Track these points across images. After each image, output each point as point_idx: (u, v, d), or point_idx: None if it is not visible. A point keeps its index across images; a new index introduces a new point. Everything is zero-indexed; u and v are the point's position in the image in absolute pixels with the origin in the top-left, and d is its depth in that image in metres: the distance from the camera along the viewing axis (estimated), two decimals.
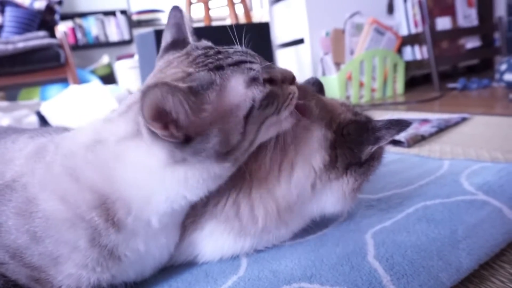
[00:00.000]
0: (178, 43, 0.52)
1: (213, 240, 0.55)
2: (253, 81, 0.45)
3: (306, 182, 0.54)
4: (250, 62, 0.47)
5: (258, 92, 0.45)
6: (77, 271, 0.46)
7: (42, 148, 0.51)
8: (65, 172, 0.47)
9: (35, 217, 0.45)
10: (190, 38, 0.54)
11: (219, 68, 0.45)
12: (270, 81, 0.47)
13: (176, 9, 0.55)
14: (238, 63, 0.46)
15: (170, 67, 0.47)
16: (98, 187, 0.45)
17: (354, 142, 0.55)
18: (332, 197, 0.56)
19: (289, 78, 0.50)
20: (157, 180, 0.45)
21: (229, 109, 0.44)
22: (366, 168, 0.57)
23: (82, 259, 0.45)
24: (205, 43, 0.51)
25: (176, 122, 0.42)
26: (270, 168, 0.53)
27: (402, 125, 0.55)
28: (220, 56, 0.47)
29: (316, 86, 0.66)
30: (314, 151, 0.54)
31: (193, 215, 0.54)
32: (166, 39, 0.54)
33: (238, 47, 0.49)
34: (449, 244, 0.52)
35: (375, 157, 0.58)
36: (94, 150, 0.47)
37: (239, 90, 0.45)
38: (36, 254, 0.45)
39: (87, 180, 0.46)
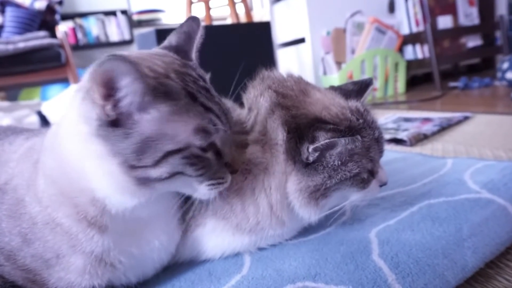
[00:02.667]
0: (180, 52, 0.49)
1: (215, 236, 0.55)
2: (203, 132, 0.43)
3: (280, 174, 0.53)
4: (219, 119, 0.44)
5: (196, 145, 0.42)
6: (66, 275, 0.45)
7: (31, 148, 0.50)
8: (40, 169, 0.45)
9: (23, 219, 0.45)
10: (194, 55, 0.51)
11: (192, 96, 0.43)
12: (217, 153, 0.45)
13: (195, 19, 0.53)
14: (209, 110, 0.44)
15: (162, 59, 0.45)
16: (55, 176, 0.43)
17: (298, 136, 0.52)
18: (291, 195, 0.53)
19: (235, 168, 0.48)
20: (84, 158, 0.42)
21: (164, 132, 0.41)
22: (312, 173, 0.52)
23: (66, 265, 0.44)
24: (204, 74, 0.49)
25: (117, 102, 0.39)
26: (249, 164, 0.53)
27: (342, 133, 0.50)
28: (203, 92, 0.44)
29: (358, 85, 0.62)
30: (278, 142, 0.53)
31: (192, 210, 0.54)
32: (170, 41, 0.51)
33: (228, 103, 0.47)
34: (454, 242, 0.52)
35: (327, 170, 0.52)
36: (54, 138, 0.45)
37: (186, 127, 0.42)
38: (28, 256, 0.45)
39: (50, 174, 0.44)
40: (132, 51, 0.47)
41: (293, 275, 0.49)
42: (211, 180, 0.46)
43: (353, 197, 0.56)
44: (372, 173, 0.55)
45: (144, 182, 0.42)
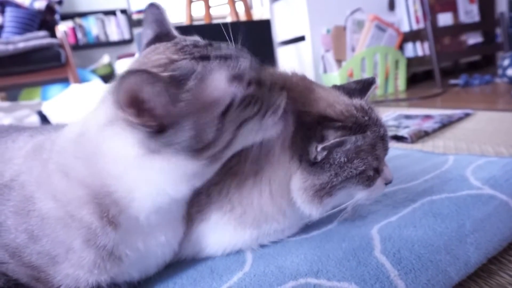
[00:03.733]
0: (162, 38, 0.50)
1: (218, 231, 0.55)
2: (236, 78, 0.43)
3: (284, 169, 0.53)
4: (239, 58, 0.45)
5: (239, 91, 0.43)
6: (74, 271, 0.45)
7: (40, 146, 0.51)
8: (57, 169, 0.46)
9: (32, 215, 0.45)
10: (175, 32, 0.52)
11: (204, 58, 0.43)
12: (257, 83, 0.45)
13: (153, 6, 0.53)
14: (225, 57, 0.44)
15: (155, 52, 0.46)
16: (86, 181, 0.44)
17: (305, 134, 0.52)
18: (294, 192, 0.53)
19: (279, 85, 0.49)
20: (136, 172, 0.44)
21: (207, 103, 0.42)
22: (319, 172, 0.51)
23: (78, 260, 0.44)
24: (196, 37, 0.49)
25: (151, 111, 0.40)
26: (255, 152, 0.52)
27: (352, 131, 0.50)
28: (209, 47, 0.45)
29: (360, 84, 0.62)
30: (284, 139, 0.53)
31: (197, 204, 0.54)
32: (148, 35, 0.52)
33: (230, 45, 0.47)
34: (457, 238, 0.51)
35: (333, 168, 0.51)
36: (79, 142, 0.46)
37: (220, 84, 0.43)
38: (34, 253, 0.45)
39: (76, 176, 0.45)
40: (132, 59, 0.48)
41: (295, 272, 0.49)
42: (269, 108, 0.46)
43: (358, 195, 0.55)
44: (377, 171, 0.55)
45: (215, 157, 0.45)
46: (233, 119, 0.44)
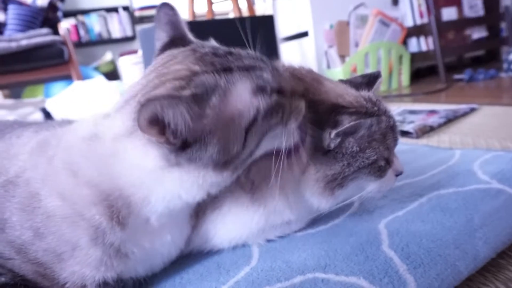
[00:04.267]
0: (177, 42, 0.49)
1: (228, 217, 0.54)
2: (260, 90, 0.43)
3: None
4: (261, 69, 0.44)
5: (264, 103, 0.42)
6: (80, 269, 0.45)
7: (45, 142, 0.50)
8: (64, 166, 0.45)
9: (37, 213, 0.45)
10: (190, 36, 0.50)
11: (227, 70, 0.42)
12: (279, 91, 0.45)
13: (166, 6, 0.51)
14: (248, 68, 0.43)
15: (174, 61, 0.45)
16: (95, 183, 0.44)
17: (317, 122, 0.51)
18: (304, 183, 0.53)
19: (299, 92, 0.48)
20: (153, 181, 0.43)
21: (231, 117, 0.41)
22: (331, 162, 0.51)
23: (84, 258, 0.44)
24: (213, 42, 0.48)
25: (174, 131, 0.40)
26: None
27: (366, 115, 0.50)
28: (230, 57, 0.44)
29: (366, 78, 0.62)
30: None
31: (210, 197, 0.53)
32: (162, 38, 0.50)
33: (251, 52, 0.46)
34: (465, 232, 0.51)
35: (346, 157, 0.51)
36: (91, 144, 0.45)
37: (244, 97, 0.42)
38: (40, 250, 0.45)
39: (84, 176, 0.44)
40: (144, 71, 0.47)
41: (302, 267, 0.49)
42: (291, 114, 0.46)
43: (370, 187, 0.55)
44: (388, 162, 0.55)
45: (239, 167, 0.45)
46: (257, 130, 0.43)
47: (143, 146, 0.42)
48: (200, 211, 0.54)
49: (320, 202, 0.53)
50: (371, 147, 0.52)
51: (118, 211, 0.44)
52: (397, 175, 0.58)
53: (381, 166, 0.54)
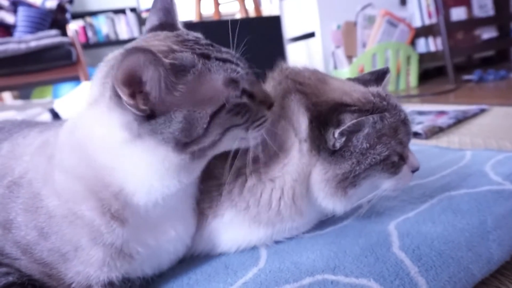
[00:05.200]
0: (166, 27, 0.49)
1: (232, 228, 0.54)
2: (232, 82, 0.44)
3: (300, 165, 0.52)
4: (237, 65, 0.45)
5: (233, 96, 0.44)
6: (84, 269, 0.44)
7: (46, 142, 0.50)
8: (57, 164, 0.45)
9: (40, 213, 0.45)
10: (180, 25, 0.51)
11: (205, 56, 0.43)
12: (250, 94, 0.46)
13: None
14: (225, 60, 0.44)
15: (156, 38, 0.45)
16: (82, 175, 0.43)
17: (321, 123, 0.51)
18: (315, 186, 0.52)
19: (268, 102, 0.49)
20: (122, 159, 0.42)
21: (201, 99, 0.42)
22: (340, 161, 0.50)
23: (86, 258, 0.44)
24: (198, 34, 0.49)
25: (146, 94, 0.39)
26: (270, 152, 0.52)
27: (368, 113, 0.49)
28: (211, 47, 0.45)
29: (375, 74, 0.61)
30: (302, 127, 0.52)
31: (208, 200, 0.53)
32: (152, 21, 0.51)
33: (230, 50, 0.47)
34: (478, 235, 0.50)
35: (355, 155, 0.50)
36: (73, 132, 0.45)
37: (216, 84, 0.43)
38: (45, 250, 0.45)
39: (72, 170, 0.44)
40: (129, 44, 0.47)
41: (311, 268, 0.48)
42: (256, 121, 0.47)
43: (385, 185, 0.53)
44: (402, 158, 0.53)
45: (198, 154, 0.44)
46: (222, 121, 0.44)
47: (108, 111, 0.41)
48: (201, 215, 0.54)
49: (334, 204, 0.52)
50: (381, 142, 0.51)
51: (109, 204, 0.43)
52: (413, 171, 0.56)
53: (395, 162, 0.52)
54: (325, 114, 0.50)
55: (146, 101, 0.40)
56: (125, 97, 0.39)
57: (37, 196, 0.45)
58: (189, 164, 0.45)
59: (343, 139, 0.50)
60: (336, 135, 0.49)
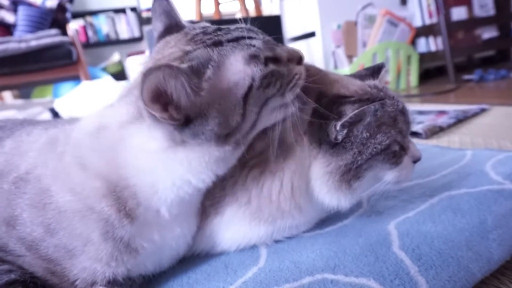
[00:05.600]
0: (172, 29, 0.50)
1: (232, 225, 0.54)
2: (252, 58, 0.43)
3: (299, 157, 0.52)
4: (251, 38, 0.45)
5: (257, 70, 0.43)
6: (92, 264, 0.45)
7: (54, 139, 0.51)
8: (74, 161, 0.46)
9: (48, 209, 0.45)
10: (183, 21, 0.52)
11: (217, 44, 0.43)
12: (274, 60, 0.45)
13: None
14: (237, 39, 0.44)
15: (168, 47, 0.46)
16: (104, 174, 0.44)
17: (322, 116, 0.50)
18: (317, 180, 0.52)
19: (296, 58, 0.48)
20: (160, 164, 0.44)
21: (227, 88, 0.42)
22: (341, 152, 0.50)
23: (95, 252, 0.44)
24: (204, 23, 0.50)
25: (176, 104, 0.41)
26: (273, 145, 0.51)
27: (368, 102, 0.49)
28: (219, 32, 0.45)
29: (370, 69, 0.61)
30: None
31: (211, 197, 0.53)
32: (158, 28, 0.52)
33: (239, 25, 0.47)
34: (478, 234, 0.50)
35: (356, 145, 0.50)
36: (98, 136, 0.46)
37: (237, 67, 0.43)
38: (51, 246, 0.45)
39: (93, 168, 0.45)
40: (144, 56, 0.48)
41: (311, 267, 0.48)
42: (290, 82, 0.46)
43: (387, 176, 0.53)
44: (403, 148, 0.53)
45: (239, 141, 0.45)
46: (255, 100, 0.44)
47: (148, 129, 0.43)
48: (203, 213, 0.54)
49: (339, 198, 0.52)
50: (381, 131, 0.50)
51: (125, 202, 0.44)
52: (415, 162, 0.56)
53: (396, 151, 0.52)
54: (325, 107, 0.50)
55: (178, 110, 0.41)
56: (157, 114, 0.41)
57: (46, 192, 0.45)
58: (231, 154, 0.46)
59: (345, 130, 0.50)
60: (338, 127, 0.49)
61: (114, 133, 0.45)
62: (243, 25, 0.47)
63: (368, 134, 0.50)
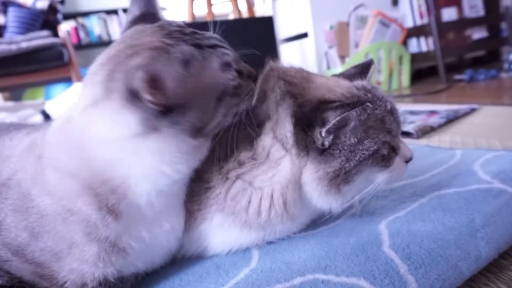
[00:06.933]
0: (147, 17, 0.50)
1: (222, 231, 0.54)
2: (227, 66, 0.46)
3: (291, 173, 0.52)
4: (225, 48, 0.48)
5: (231, 78, 0.46)
6: (79, 266, 0.44)
7: (34, 143, 0.50)
8: (47, 163, 0.45)
9: (31, 212, 0.44)
10: (161, 14, 0.52)
11: (198, 46, 0.45)
12: (238, 73, 0.48)
13: None
14: (214, 46, 0.46)
15: (144, 34, 0.45)
16: (75, 172, 0.43)
17: (306, 122, 0.50)
18: (307, 185, 0.52)
19: (253, 75, 0.51)
20: (130, 154, 0.42)
21: (206, 87, 0.45)
22: (329, 159, 0.50)
23: (81, 254, 0.44)
24: (178, 22, 0.49)
25: (165, 90, 0.40)
26: (260, 155, 0.52)
27: (350, 107, 0.48)
28: (197, 36, 0.47)
29: (359, 67, 0.61)
30: (287, 135, 0.52)
31: (197, 202, 0.53)
32: (133, 12, 0.51)
33: (211, 33, 0.49)
34: (467, 233, 0.50)
35: (344, 153, 0.50)
36: (63, 131, 0.45)
37: (214, 71, 0.45)
38: (37, 250, 0.44)
39: (63, 167, 0.44)
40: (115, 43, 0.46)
41: (302, 268, 0.49)
42: (248, 94, 0.50)
43: (379, 178, 0.53)
44: (393, 149, 0.53)
45: (207, 135, 0.47)
46: (225, 103, 0.47)
47: (116, 111, 0.41)
48: (191, 216, 0.53)
49: (330, 202, 0.52)
50: (368, 136, 0.50)
51: (106, 199, 0.43)
52: (407, 162, 0.56)
53: (385, 155, 0.52)
54: (308, 115, 0.50)
55: (166, 97, 0.40)
56: (148, 96, 0.39)
57: (27, 197, 0.45)
58: (200, 146, 0.48)
59: (331, 136, 0.50)
60: (323, 134, 0.49)
61: (76, 124, 0.44)
62: (216, 35, 0.49)
63: (355, 139, 0.50)
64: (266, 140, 0.53)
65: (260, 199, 0.52)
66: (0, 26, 2.64)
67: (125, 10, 4.09)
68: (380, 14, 2.35)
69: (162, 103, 0.40)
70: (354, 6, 2.44)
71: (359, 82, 0.56)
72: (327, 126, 0.48)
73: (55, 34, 2.68)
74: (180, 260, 0.56)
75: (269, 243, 0.57)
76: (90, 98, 0.42)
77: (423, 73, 2.70)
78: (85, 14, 3.99)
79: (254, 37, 2.01)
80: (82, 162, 0.43)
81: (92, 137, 0.43)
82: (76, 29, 3.94)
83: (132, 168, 0.43)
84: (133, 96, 0.40)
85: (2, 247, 0.46)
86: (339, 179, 0.50)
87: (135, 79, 0.38)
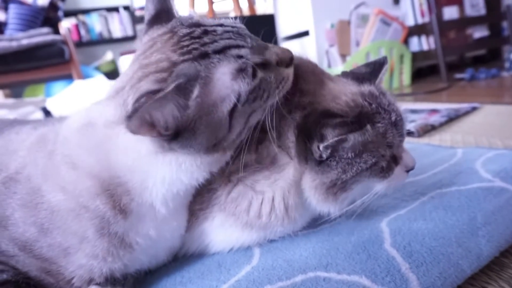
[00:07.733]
0: (162, 15, 0.49)
1: (223, 231, 0.54)
2: (239, 72, 0.42)
3: (293, 179, 0.52)
4: (239, 46, 0.43)
5: (244, 85, 0.42)
6: (88, 261, 0.45)
7: (44, 137, 0.50)
8: (63, 160, 0.46)
9: (40, 208, 0.45)
10: (175, 9, 0.50)
11: (204, 56, 0.42)
12: (263, 65, 0.44)
13: None
14: (224, 49, 0.42)
15: (154, 49, 0.45)
16: (96, 173, 0.44)
17: (306, 134, 0.50)
18: (306, 192, 0.52)
19: (286, 60, 0.46)
20: (149, 165, 0.44)
21: (213, 104, 0.42)
22: (326, 170, 0.50)
23: (92, 249, 0.44)
24: (191, 17, 0.48)
25: (165, 126, 0.41)
26: (266, 159, 0.52)
27: (349, 127, 0.47)
28: (206, 39, 0.43)
29: (371, 66, 0.59)
30: (289, 145, 0.51)
31: (200, 202, 0.53)
32: (149, 11, 0.50)
33: (228, 22, 0.45)
34: (468, 231, 0.51)
35: (341, 165, 0.49)
36: (86, 132, 0.46)
37: (224, 82, 0.42)
38: (45, 246, 0.45)
39: (84, 167, 0.45)
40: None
41: (304, 265, 0.49)
42: (277, 89, 0.46)
43: (377, 187, 0.53)
44: (395, 159, 0.53)
45: (229, 146, 0.46)
46: (242, 113, 0.44)
47: (135, 135, 0.42)
48: (192, 215, 0.54)
49: (328, 208, 0.52)
50: (367, 150, 0.49)
51: (119, 199, 0.45)
52: (408, 171, 0.55)
53: (383, 167, 0.51)
54: (309, 127, 0.50)
55: (166, 129, 0.41)
56: (146, 135, 0.41)
57: (37, 192, 0.45)
58: (221, 157, 0.47)
59: (329, 151, 0.49)
60: (321, 148, 0.49)
61: (101, 132, 0.45)
62: (230, 24, 0.46)
63: (353, 154, 0.49)
64: (271, 146, 0.51)
65: (261, 203, 0.52)
66: (0, 23, 2.63)
67: (125, 8, 4.09)
68: (381, 12, 2.35)
69: (164, 134, 0.41)
70: (355, 4, 2.44)
71: (366, 88, 0.53)
72: (325, 143, 0.48)
73: (56, 31, 2.67)
74: (182, 257, 0.56)
75: (271, 241, 0.57)
76: (115, 116, 0.44)
77: (424, 72, 2.70)
78: (86, 12, 3.99)
79: (255, 35, 2.01)
80: (104, 165, 0.45)
81: (115, 148, 0.44)
82: (76, 26, 3.93)
83: (149, 176, 0.45)
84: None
85: (9, 242, 0.46)
86: (336, 188, 0.50)
87: (131, 129, 0.39)
